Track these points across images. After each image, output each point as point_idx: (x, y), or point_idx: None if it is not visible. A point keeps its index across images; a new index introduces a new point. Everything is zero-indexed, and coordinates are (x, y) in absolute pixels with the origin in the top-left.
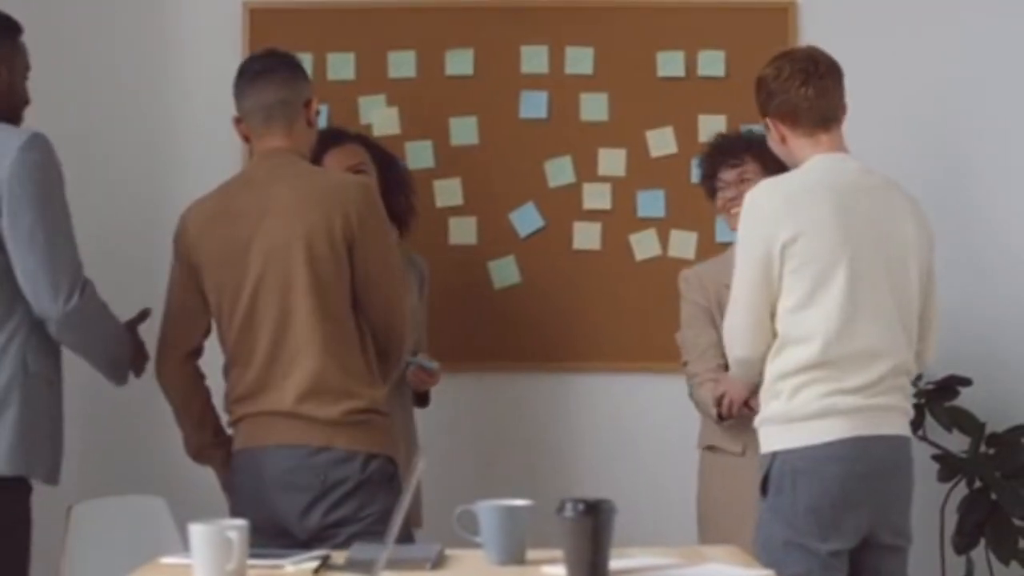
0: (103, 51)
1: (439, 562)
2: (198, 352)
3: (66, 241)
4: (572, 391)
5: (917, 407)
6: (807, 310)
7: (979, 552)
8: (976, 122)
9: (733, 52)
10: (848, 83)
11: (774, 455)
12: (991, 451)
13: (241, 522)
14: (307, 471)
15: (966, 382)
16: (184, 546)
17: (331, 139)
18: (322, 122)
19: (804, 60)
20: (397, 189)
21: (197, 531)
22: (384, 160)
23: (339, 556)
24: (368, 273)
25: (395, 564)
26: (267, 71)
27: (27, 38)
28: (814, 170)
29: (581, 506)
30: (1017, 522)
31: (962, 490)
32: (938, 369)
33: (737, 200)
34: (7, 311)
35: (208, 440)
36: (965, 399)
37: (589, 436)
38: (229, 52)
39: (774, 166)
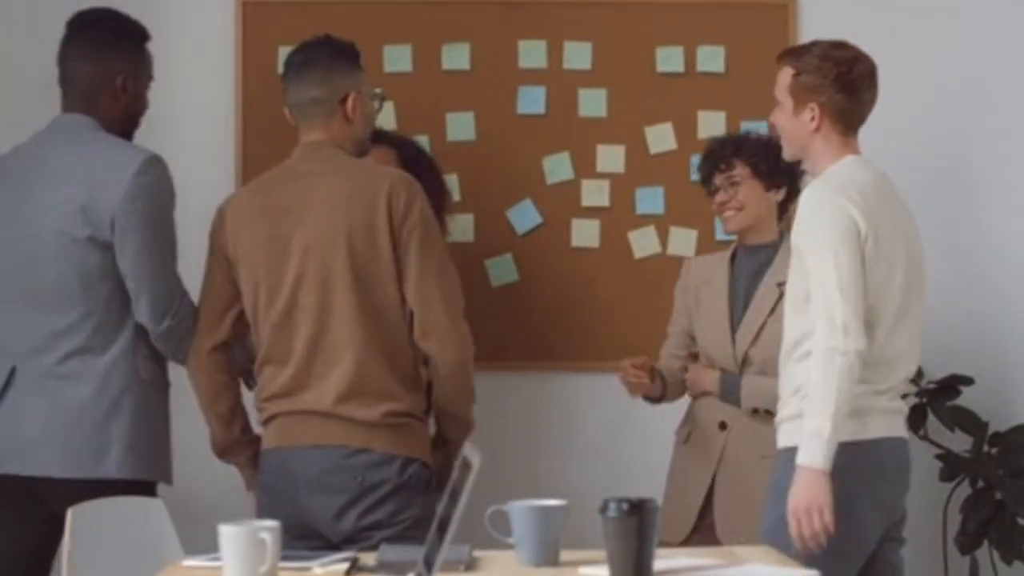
0: None
1: (471, 564)
2: (226, 345)
3: (167, 266)
4: (570, 389)
5: (919, 406)
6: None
7: (983, 552)
8: (978, 120)
9: (733, 48)
10: None
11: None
12: (994, 450)
13: (273, 523)
14: (344, 472)
15: (968, 381)
16: (182, 547)
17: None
18: None
19: (868, 63)
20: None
21: (229, 532)
22: (414, 161)
23: (368, 558)
24: (411, 269)
25: None
26: (305, 65)
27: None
28: (865, 172)
29: (625, 505)
30: (1022, 521)
31: (964, 490)
32: (940, 368)
33: (729, 204)
34: (120, 321)
35: (236, 437)
36: (967, 398)
37: (587, 434)
38: (222, 46)
39: (764, 167)
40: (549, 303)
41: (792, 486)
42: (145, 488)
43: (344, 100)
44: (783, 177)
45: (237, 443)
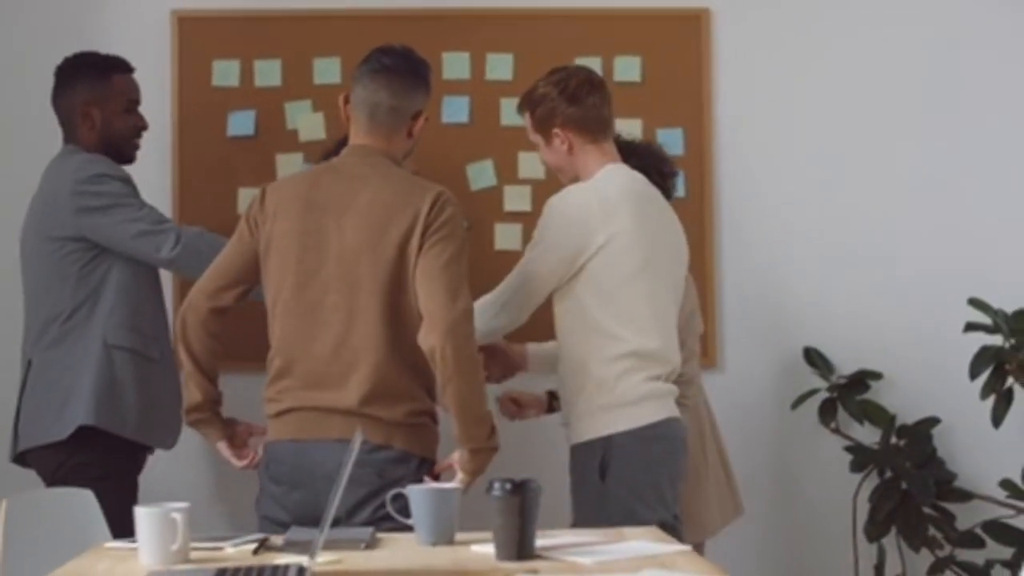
0: (29, 57)
1: (373, 543)
2: (224, 312)
3: (126, 224)
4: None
5: (829, 400)
6: (615, 305)
7: (890, 540)
8: (892, 126)
9: (649, 58)
10: (758, 89)
11: (609, 439)
12: (901, 442)
13: (183, 504)
14: (363, 468)
15: (876, 376)
16: (111, 537)
17: None
18: (250, 128)
19: (583, 73)
20: None
21: (143, 513)
22: None
23: (277, 539)
24: (420, 265)
25: (331, 544)
26: (390, 71)
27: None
28: (621, 177)
29: (509, 485)
30: (927, 510)
31: (873, 480)
32: (850, 364)
33: None
34: (90, 302)
35: (214, 396)
36: (876, 392)
37: (520, 432)
38: (157, 59)
39: None
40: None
41: None
42: (132, 448)
43: (416, 117)
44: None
45: (215, 401)
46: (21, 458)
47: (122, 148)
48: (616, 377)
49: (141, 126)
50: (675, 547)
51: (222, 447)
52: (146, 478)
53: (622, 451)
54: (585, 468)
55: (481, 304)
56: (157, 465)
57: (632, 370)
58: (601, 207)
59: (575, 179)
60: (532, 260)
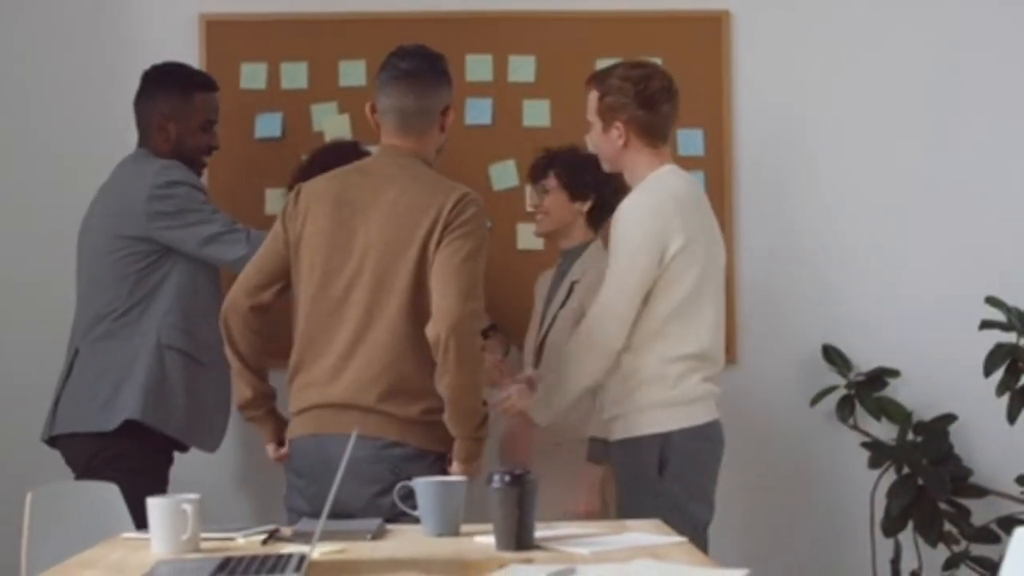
0: (60, 61)
1: (379, 534)
2: (265, 309)
3: (199, 229)
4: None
5: (847, 397)
6: (682, 306)
7: (907, 535)
8: (908, 125)
9: (669, 59)
10: (776, 90)
11: (668, 435)
12: (918, 439)
13: (194, 495)
14: (379, 463)
15: (894, 373)
16: (134, 529)
17: None
18: (276, 130)
19: (665, 78)
20: None
21: (154, 504)
22: None
23: (286, 530)
24: (437, 261)
25: (338, 535)
26: (412, 75)
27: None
28: (680, 180)
29: (508, 477)
30: (943, 506)
31: (891, 476)
32: (868, 361)
33: (539, 209)
34: (146, 300)
35: (265, 390)
36: (893, 389)
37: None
38: (185, 62)
39: (569, 180)
40: (497, 305)
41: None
42: (170, 446)
43: (444, 112)
44: (590, 189)
45: (267, 396)
46: (51, 441)
47: (191, 163)
48: (677, 376)
49: (214, 145)
50: (671, 539)
51: (271, 448)
52: (177, 474)
53: (680, 448)
54: (640, 463)
55: (595, 335)
56: (188, 460)
57: (692, 371)
58: (676, 206)
59: (614, 169)
60: (618, 272)
